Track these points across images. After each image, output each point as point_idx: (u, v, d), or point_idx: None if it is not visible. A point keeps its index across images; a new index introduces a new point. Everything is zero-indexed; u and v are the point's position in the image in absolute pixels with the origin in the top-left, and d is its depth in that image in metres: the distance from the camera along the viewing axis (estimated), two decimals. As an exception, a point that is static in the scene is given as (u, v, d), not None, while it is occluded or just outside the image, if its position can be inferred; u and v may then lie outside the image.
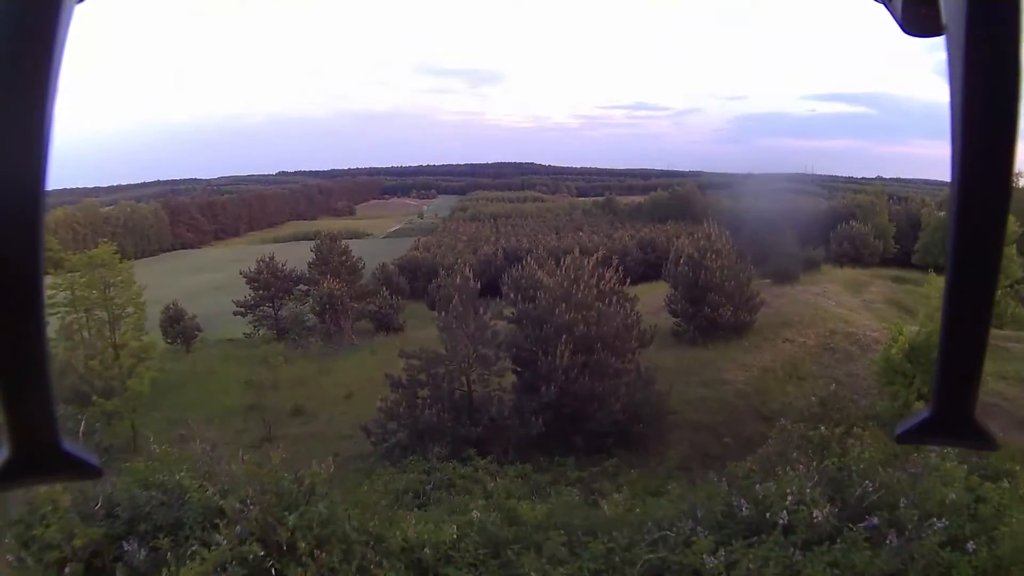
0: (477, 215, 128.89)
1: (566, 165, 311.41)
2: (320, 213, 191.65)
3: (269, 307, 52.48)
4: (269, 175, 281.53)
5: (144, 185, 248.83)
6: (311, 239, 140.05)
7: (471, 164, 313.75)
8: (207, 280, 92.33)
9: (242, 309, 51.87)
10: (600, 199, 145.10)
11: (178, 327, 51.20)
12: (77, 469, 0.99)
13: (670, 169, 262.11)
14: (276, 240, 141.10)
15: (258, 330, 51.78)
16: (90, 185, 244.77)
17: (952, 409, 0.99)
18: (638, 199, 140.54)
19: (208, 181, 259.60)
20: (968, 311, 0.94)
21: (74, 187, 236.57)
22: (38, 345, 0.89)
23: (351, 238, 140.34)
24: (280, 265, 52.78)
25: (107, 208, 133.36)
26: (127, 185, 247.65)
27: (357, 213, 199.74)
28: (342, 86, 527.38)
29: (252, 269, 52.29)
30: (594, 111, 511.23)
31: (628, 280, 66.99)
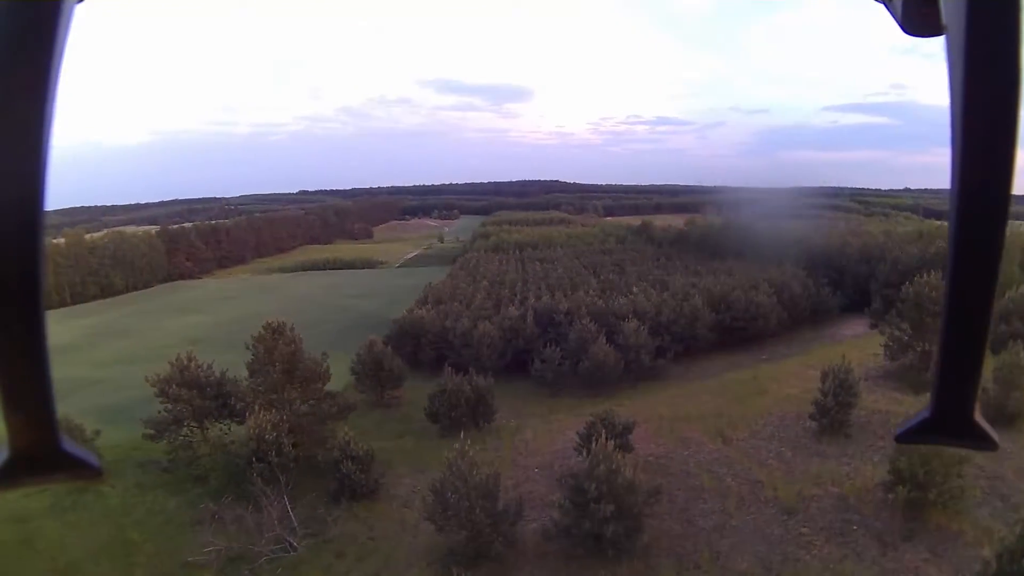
0: (500, 244, 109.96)
1: (591, 182, 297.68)
2: (336, 236, 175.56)
3: (195, 427, 33.58)
4: (290, 194, 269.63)
5: (162, 204, 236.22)
6: (321, 267, 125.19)
7: (495, 182, 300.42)
8: (189, 326, 75.53)
9: (152, 431, 33.08)
10: (634, 223, 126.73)
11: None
12: (77, 469, 0.99)
13: (697, 185, 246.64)
14: (283, 269, 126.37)
15: (175, 466, 33.18)
16: (107, 203, 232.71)
17: (952, 409, 1.00)
18: (671, 219, 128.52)
19: (227, 200, 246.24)
20: (968, 312, 0.94)
21: (90, 205, 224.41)
22: (38, 345, 0.89)
23: (364, 267, 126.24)
24: (203, 367, 33.88)
25: (95, 235, 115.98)
26: (145, 204, 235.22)
27: (375, 236, 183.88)
28: (365, 105, 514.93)
29: (160, 375, 33.33)
30: (618, 127, 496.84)
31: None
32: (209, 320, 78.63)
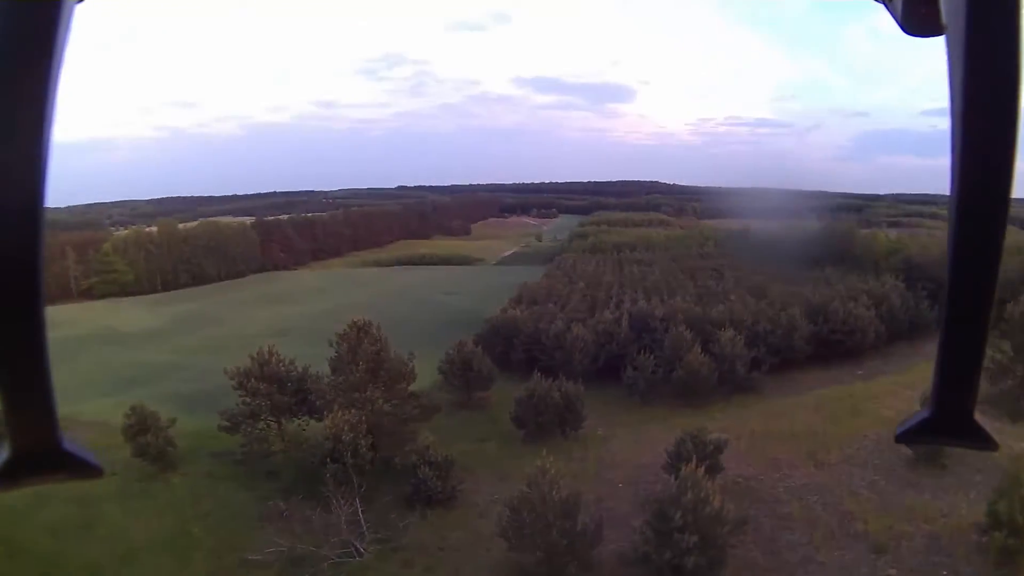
0: (599, 245, 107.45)
1: (690, 184, 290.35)
2: (433, 232, 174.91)
3: (272, 422, 32.53)
4: (388, 189, 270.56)
5: (259, 196, 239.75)
6: (416, 263, 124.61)
7: (595, 182, 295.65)
8: (279, 317, 75.52)
9: (228, 423, 32.23)
10: (733, 226, 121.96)
11: (143, 440, 32.26)
12: (78, 468, 0.99)
13: (795, 190, 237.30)
14: (378, 263, 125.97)
15: (248, 459, 32.44)
16: (205, 194, 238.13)
17: (951, 409, 1.00)
18: (767, 223, 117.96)
19: (325, 193, 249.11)
20: (968, 312, 0.96)
21: (188, 195, 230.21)
22: (38, 345, 0.89)
23: (460, 264, 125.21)
24: (284, 362, 32.83)
25: (188, 225, 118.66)
26: (242, 195, 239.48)
27: (472, 233, 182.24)
28: (465, 102, 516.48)
29: (239, 367, 32.42)
30: (717, 128, 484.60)
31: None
32: (299, 312, 78.44)
